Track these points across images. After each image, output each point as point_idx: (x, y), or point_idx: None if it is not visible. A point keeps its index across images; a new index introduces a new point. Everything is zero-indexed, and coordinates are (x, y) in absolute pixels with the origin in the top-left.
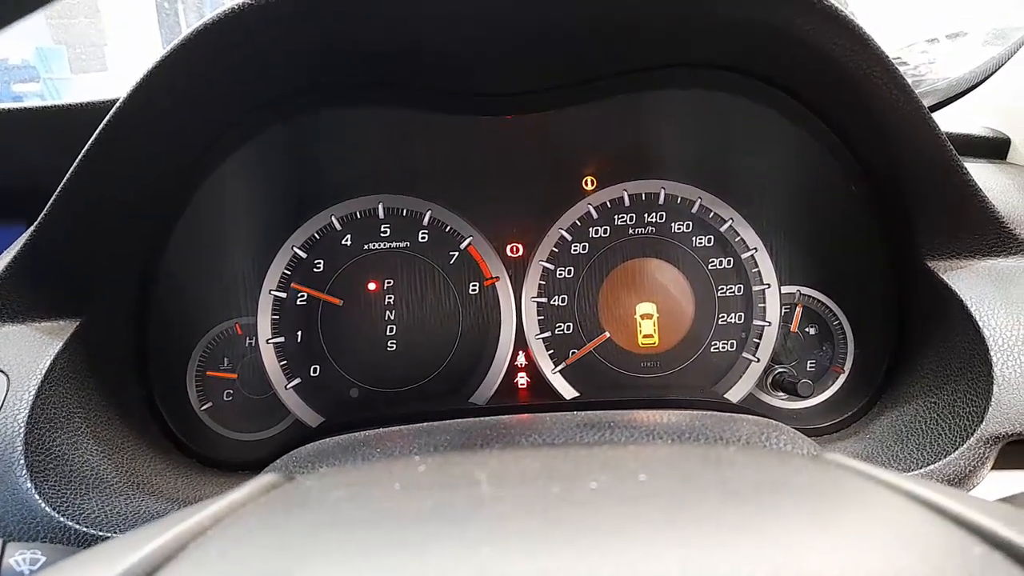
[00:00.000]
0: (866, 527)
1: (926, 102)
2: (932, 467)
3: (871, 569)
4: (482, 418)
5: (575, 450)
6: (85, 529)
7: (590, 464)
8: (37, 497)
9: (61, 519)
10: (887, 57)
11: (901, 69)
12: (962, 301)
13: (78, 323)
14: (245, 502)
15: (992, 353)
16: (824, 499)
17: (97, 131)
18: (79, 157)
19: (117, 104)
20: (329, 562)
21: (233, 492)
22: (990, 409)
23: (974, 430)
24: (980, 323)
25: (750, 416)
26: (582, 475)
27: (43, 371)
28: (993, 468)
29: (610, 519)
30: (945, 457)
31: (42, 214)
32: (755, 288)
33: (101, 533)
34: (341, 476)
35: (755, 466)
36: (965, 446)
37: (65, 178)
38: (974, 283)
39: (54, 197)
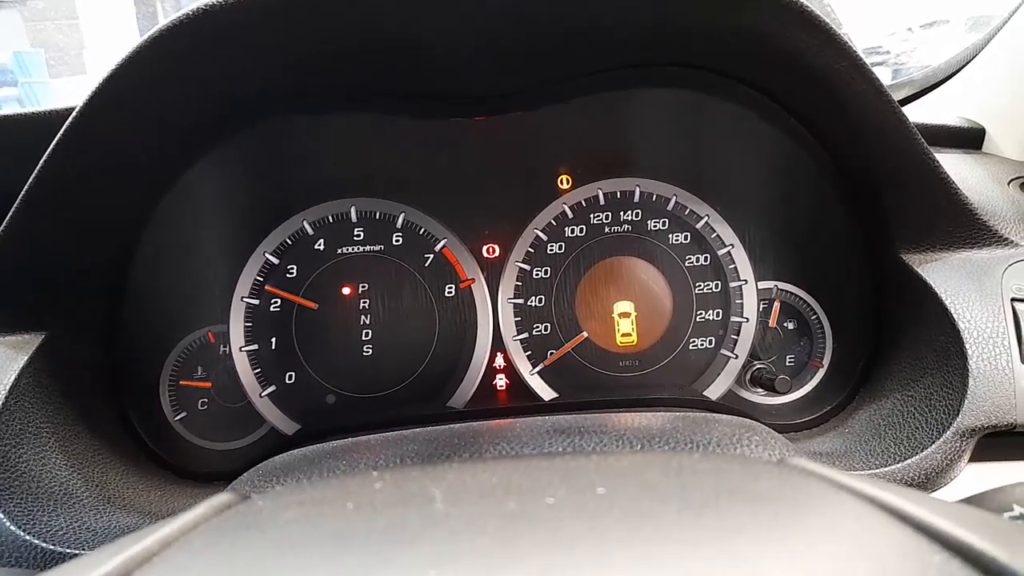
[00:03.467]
0: (824, 535)
1: (903, 92)
2: (909, 461)
3: None
4: (452, 426)
5: (536, 461)
6: (53, 547)
7: (550, 477)
8: (1, 516)
9: (27, 538)
10: (856, 53)
11: (882, 57)
12: (937, 294)
13: (43, 336)
14: (196, 524)
15: (967, 346)
16: (783, 507)
17: (54, 141)
18: (37, 168)
19: (74, 113)
20: None
21: (184, 514)
22: (966, 402)
23: (950, 424)
24: (955, 316)
25: (725, 416)
26: (540, 489)
27: (7, 386)
28: (971, 461)
29: (564, 535)
30: (922, 451)
31: (1, 227)
32: (732, 284)
33: (70, 551)
34: (294, 495)
35: (716, 473)
36: (942, 440)
37: (24, 190)
38: (949, 275)
39: (13, 209)
